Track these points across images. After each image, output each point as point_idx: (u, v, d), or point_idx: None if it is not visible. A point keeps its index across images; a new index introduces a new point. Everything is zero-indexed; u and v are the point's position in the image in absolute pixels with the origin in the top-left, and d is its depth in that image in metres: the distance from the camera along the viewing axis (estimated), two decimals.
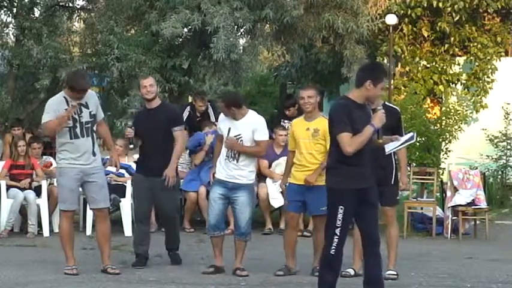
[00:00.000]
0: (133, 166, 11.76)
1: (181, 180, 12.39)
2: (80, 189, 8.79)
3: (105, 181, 8.82)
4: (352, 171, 6.81)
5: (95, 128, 8.62)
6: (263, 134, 8.78)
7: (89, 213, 11.18)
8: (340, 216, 6.81)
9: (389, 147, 7.45)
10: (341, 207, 6.80)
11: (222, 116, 8.99)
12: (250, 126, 8.69)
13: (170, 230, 9.43)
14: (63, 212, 8.70)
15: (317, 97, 8.79)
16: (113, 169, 11.91)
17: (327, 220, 6.98)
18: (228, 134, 8.66)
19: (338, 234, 6.83)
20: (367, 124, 6.76)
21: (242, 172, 8.66)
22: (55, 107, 8.53)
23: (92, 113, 8.58)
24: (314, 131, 8.61)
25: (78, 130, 8.49)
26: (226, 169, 8.66)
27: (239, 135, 8.65)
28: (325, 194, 8.50)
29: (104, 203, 8.73)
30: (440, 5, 19.05)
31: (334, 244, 6.84)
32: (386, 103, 8.73)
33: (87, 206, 10.05)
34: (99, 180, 8.64)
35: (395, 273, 8.54)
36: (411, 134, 7.45)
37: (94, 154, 8.59)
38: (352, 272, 8.53)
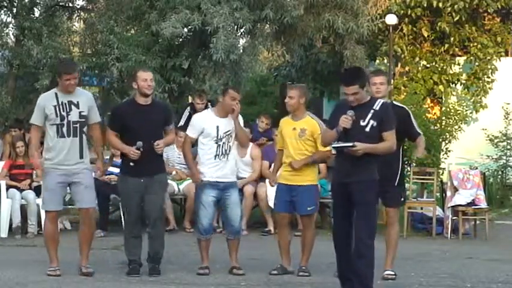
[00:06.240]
0: None
1: (181, 180, 12.44)
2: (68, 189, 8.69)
3: (91, 182, 8.56)
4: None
5: (85, 130, 8.46)
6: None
7: None
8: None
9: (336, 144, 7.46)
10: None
11: (201, 116, 8.85)
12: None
13: (157, 233, 8.77)
14: (46, 213, 8.57)
15: (301, 98, 8.71)
16: (113, 169, 11.92)
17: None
18: (217, 132, 8.63)
19: None
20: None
21: (232, 168, 8.75)
22: (42, 103, 8.42)
23: (82, 113, 8.40)
24: (301, 131, 8.65)
25: (65, 129, 8.34)
26: (217, 169, 8.64)
27: (228, 131, 8.68)
28: (312, 194, 8.61)
29: (87, 203, 8.54)
30: (440, 5, 19.06)
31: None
32: (394, 103, 8.95)
33: None
34: (84, 180, 8.44)
35: (393, 273, 8.53)
36: (351, 143, 7.30)
37: (81, 156, 8.40)
38: None
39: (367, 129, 7.26)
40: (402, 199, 8.74)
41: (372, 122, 7.27)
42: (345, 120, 7.23)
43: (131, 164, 8.57)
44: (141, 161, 8.48)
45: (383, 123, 7.29)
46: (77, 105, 8.40)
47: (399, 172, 8.50)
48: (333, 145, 7.37)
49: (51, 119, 8.36)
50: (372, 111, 7.29)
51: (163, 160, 9.04)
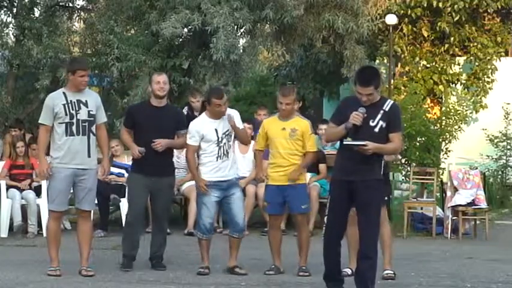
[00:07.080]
0: None
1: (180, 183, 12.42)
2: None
3: (94, 184, 8.60)
4: None
5: (94, 130, 8.49)
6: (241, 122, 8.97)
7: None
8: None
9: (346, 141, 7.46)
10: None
11: (198, 122, 8.80)
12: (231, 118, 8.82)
13: (161, 232, 9.08)
14: (51, 212, 8.59)
15: (295, 102, 8.75)
16: (113, 169, 11.92)
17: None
18: (217, 135, 8.64)
19: None
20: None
21: (232, 164, 8.78)
22: (51, 103, 8.41)
23: (91, 112, 8.45)
24: (291, 131, 8.62)
25: (74, 127, 8.36)
26: (218, 169, 8.66)
27: (227, 130, 8.72)
28: (304, 193, 8.62)
29: (88, 206, 8.60)
30: (440, 5, 19.07)
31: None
32: None
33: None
34: (88, 183, 8.48)
35: (392, 272, 8.53)
36: (363, 142, 7.29)
37: (89, 155, 8.44)
38: (349, 271, 8.50)
39: (376, 129, 7.20)
40: (386, 198, 8.69)
41: (381, 123, 7.21)
42: (356, 117, 7.14)
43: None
44: (151, 161, 8.77)
45: (391, 124, 7.24)
46: (86, 104, 8.45)
47: (382, 170, 8.46)
48: (344, 142, 7.31)
49: (60, 117, 8.37)
50: (382, 111, 7.22)
51: (173, 163, 9.31)
